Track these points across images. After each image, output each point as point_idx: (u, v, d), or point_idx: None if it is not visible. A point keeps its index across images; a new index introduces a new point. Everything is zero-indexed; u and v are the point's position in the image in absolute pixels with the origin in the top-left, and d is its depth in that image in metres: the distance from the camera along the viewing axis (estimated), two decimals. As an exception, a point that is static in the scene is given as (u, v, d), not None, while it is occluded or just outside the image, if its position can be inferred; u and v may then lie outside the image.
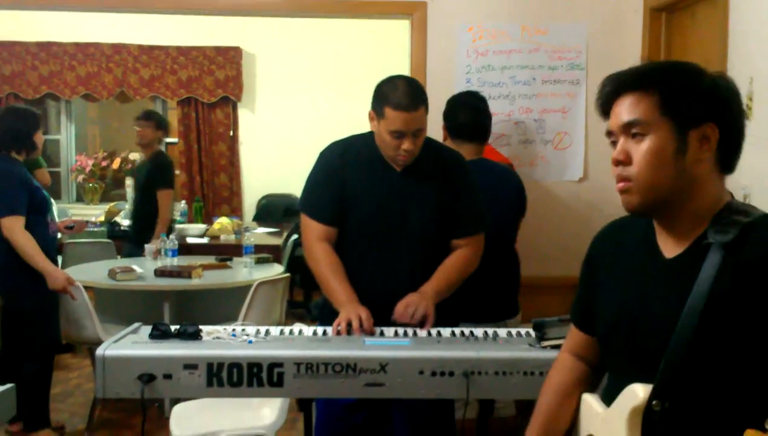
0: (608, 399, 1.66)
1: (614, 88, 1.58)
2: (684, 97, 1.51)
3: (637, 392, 1.50)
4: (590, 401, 1.74)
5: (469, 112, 3.65)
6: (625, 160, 1.55)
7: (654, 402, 1.48)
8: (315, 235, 2.87)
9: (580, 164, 4.69)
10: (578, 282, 1.92)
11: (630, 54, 4.57)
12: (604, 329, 1.73)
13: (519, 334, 2.57)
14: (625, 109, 1.54)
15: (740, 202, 1.60)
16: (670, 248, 1.60)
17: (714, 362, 1.49)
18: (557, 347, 2.38)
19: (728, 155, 1.56)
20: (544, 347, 2.38)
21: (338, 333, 2.56)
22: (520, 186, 3.75)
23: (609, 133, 1.60)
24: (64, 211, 7.57)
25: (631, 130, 1.53)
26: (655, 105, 1.51)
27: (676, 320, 1.49)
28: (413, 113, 2.70)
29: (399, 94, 2.72)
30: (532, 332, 2.48)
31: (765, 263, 1.46)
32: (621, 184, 1.57)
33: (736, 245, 1.47)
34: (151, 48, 7.95)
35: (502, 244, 3.59)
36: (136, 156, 8.56)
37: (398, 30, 4.93)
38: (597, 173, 4.68)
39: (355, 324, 2.56)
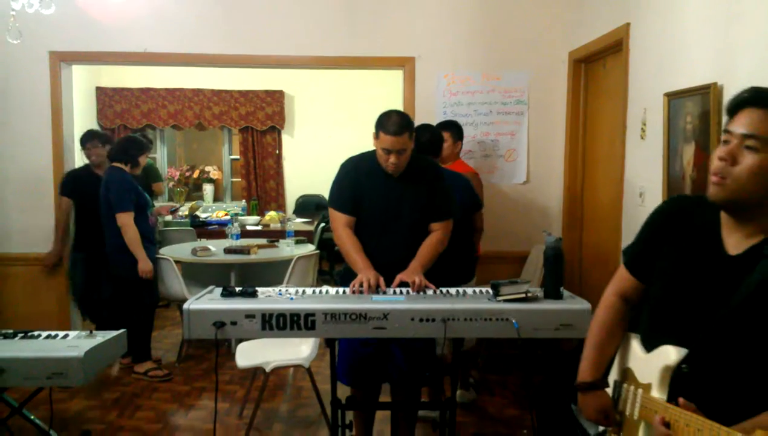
0: (646, 341, 1.55)
1: (751, 98, 1.34)
2: None
3: (671, 354, 1.41)
4: (634, 344, 1.61)
5: (428, 136, 3.61)
6: (730, 162, 1.33)
7: (683, 366, 1.39)
8: (341, 223, 2.87)
9: (523, 172, 4.68)
10: (640, 233, 1.64)
11: (559, 93, 4.58)
12: (660, 290, 1.54)
13: (481, 292, 2.57)
14: (751, 122, 1.31)
15: None
16: (732, 244, 1.40)
17: (741, 348, 1.34)
18: (508, 300, 2.39)
19: None
20: (499, 301, 2.38)
21: (353, 291, 2.57)
22: (469, 186, 3.62)
23: (726, 132, 1.36)
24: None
25: (747, 141, 1.31)
26: None
27: (721, 308, 1.35)
28: (398, 138, 2.71)
29: (390, 123, 2.73)
30: (491, 290, 2.48)
31: None
32: (716, 178, 1.35)
33: None
34: (220, 91, 7.96)
35: (460, 229, 3.55)
36: (210, 168, 8.56)
37: (395, 77, 4.92)
38: (536, 178, 4.69)
39: (365, 286, 2.57)
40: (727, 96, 2.49)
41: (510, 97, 4.62)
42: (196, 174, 8.52)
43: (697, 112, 2.70)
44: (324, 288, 2.66)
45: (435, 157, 3.61)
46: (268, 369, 3.27)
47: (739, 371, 1.35)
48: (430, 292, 2.57)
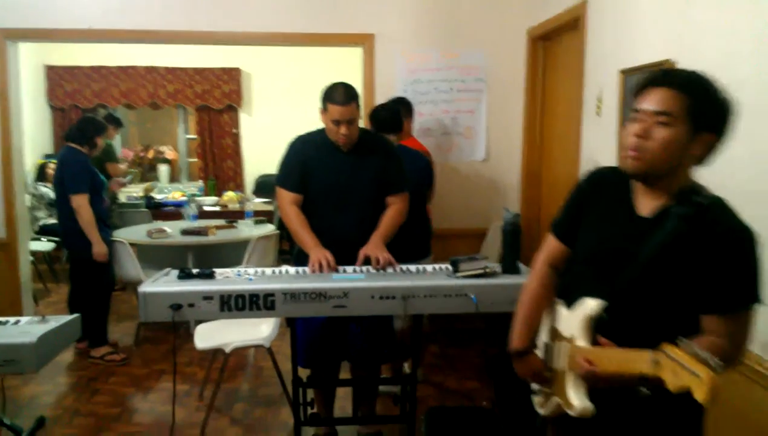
0: (571, 300, 1.65)
1: (659, 78, 1.47)
2: (706, 110, 1.43)
3: (591, 305, 1.53)
4: (559, 305, 1.73)
5: (388, 113, 3.63)
6: (645, 137, 1.44)
7: (603, 314, 1.51)
8: (287, 201, 2.84)
9: (482, 149, 4.71)
10: (565, 203, 1.78)
11: (517, 70, 4.60)
12: (584, 250, 1.67)
13: (440, 268, 2.58)
14: (661, 100, 1.43)
15: (701, 184, 1.52)
16: (643, 207, 1.55)
17: (648, 298, 1.50)
18: (468, 276, 2.41)
19: (710, 156, 1.49)
20: (458, 277, 2.40)
21: (313, 271, 2.56)
22: (426, 165, 3.66)
23: (636, 112, 1.47)
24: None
25: (659, 117, 1.43)
26: (684, 106, 1.42)
27: (633, 262, 1.49)
28: (347, 107, 2.71)
29: (337, 94, 2.72)
30: (450, 267, 2.50)
31: (711, 236, 1.42)
32: (633, 153, 1.46)
33: (693, 219, 1.44)
34: (175, 69, 7.77)
35: (416, 206, 3.58)
36: (165, 148, 8.39)
37: (354, 55, 4.87)
38: (495, 156, 4.72)
39: (324, 264, 2.56)
40: (679, 73, 2.55)
41: (469, 75, 4.63)
42: (150, 154, 8.34)
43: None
44: (284, 268, 2.64)
45: (396, 134, 3.62)
46: (227, 350, 3.24)
47: (650, 319, 1.48)
48: (390, 269, 2.58)
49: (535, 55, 4.49)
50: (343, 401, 3.36)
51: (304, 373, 2.74)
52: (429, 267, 2.61)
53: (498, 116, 4.67)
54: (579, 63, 3.60)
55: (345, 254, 2.65)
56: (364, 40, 4.56)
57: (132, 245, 4.57)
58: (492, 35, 4.59)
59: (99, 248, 4.12)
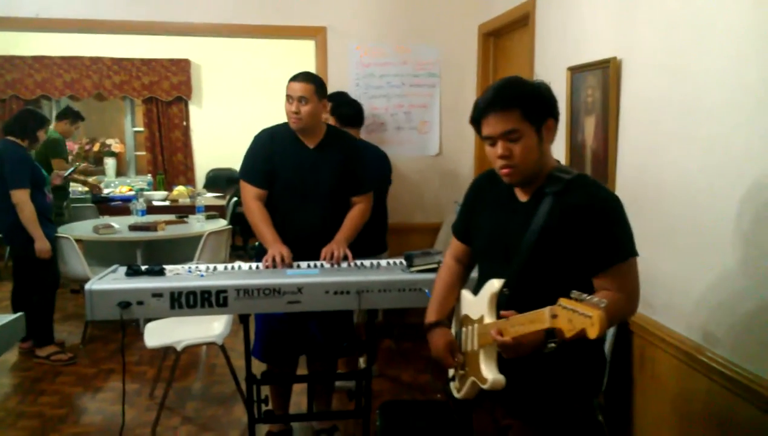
0: (476, 288, 1.84)
1: (488, 108, 1.66)
2: (534, 106, 1.66)
3: (494, 283, 1.70)
4: (465, 293, 1.93)
5: (351, 109, 3.67)
6: (509, 156, 1.66)
7: (504, 289, 1.70)
8: (251, 195, 2.82)
9: (436, 144, 4.75)
10: (460, 206, 2.01)
11: (469, 66, 4.65)
12: (480, 244, 1.90)
13: (395, 263, 2.60)
14: (500, 122, 1.64)
15: (563, 164, 1.80)
16: (521, 195, 1.77)
17: (541, 270, 1.69)
18: (422, 271, 2.44)
19: (553, 134, 1.74)
20: (412, 272, 2.43)
21: (267, 267, 2.54)
22: (386, 159, 3.77)
23: (488, 139, 1.68)
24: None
25: (509, 136, 1.64)
26: (518, 116, 1.64)
27: (519, 245, 1.69)
28: (299, 83, 2.75)
29: (297, 75, 2.80)
30: (404, 261, 2.52)
31: (580, 204, 1.66)
32: (507, 170, 1.69)
33: (562, 194, 1.68)
34: (121, 60, 7.59)
35: (375, 201, 3.61)
36: (112, 141, 8.19)
37: (307, 47, 4.84)
38: (448, 150, 4.76)
39: (278, 259, 2.55)
40: (626, 70, 2.63)
41: (422, 70, 4.65)
42: (96, 147, 8.13)
43: (597, 85, 2.82)
44: (236, 264, 2.62)
45: (358, 128, 3.65)
46: (179, 348, 3.19)
47: (546, 288, 1.58)
48: (344, 264, 2.59)
49: (487, 51, 4.54)
50: (298, 397, 3.35)
51: (258, 370, 2.72)
52: (383, 262, 2.63)
53: (451, 111, 4.71)
54: (529, 60, 3.65)
55: (308, 249, 2.65)
56: (315, 33, 4.53)
57: (78, 241, 4.45)
58: (444, 30, 4.62)
59: (42, 245, 4.00)
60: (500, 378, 1.64)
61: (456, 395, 1.88)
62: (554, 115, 1.72)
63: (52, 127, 5.68)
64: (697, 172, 2.17)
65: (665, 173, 2.35)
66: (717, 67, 2.06)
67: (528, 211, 1.72)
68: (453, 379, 1.92)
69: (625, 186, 2.62)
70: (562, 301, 1.38)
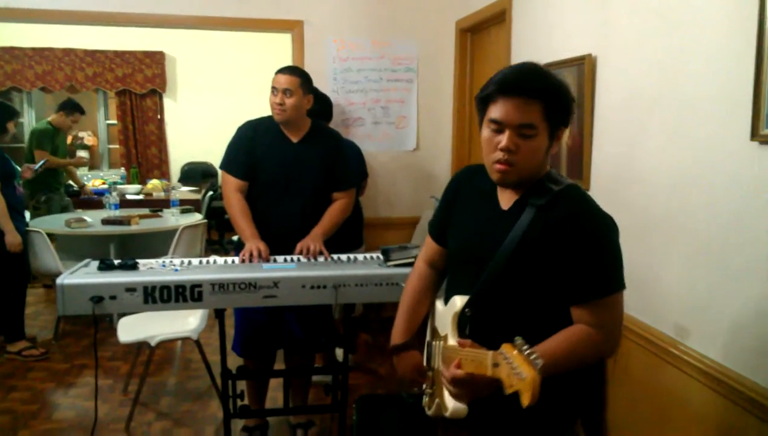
0: (447, 297, 1.66)
1: (514, 87, 1.43)
2: (557, 105, 1.45)
3: (457, 302, 1.53)
4: (438, 304, 1.73)
5: (318, 103, 3.66)
6: (514, 152, 1.43)
7: (466, 309, 1.51)
8: (232, 187, 2.80)
9: (413, 139, 4.75)
10: (438, 203, 1.80)
11: (446, 61, 4.66)
12: (454, 248, 1.69)
13: (371, 257, 2.61)
14: (518, 111, 1.41)
15: (556, 172, 1.56)
16: (504, 201, 1.56)
17: (510, 290, 1.49)
18: (399, 265, 2.45)
19: (559, 144, 1.53)
20: (389, 266, 2.43)
21: (243, 261, 2.53)
22: (361, 153, 3.82)
23: (497, 123, 1.44)
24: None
25: (524, 130, 1.42)
26: (540, 112, 1.42)
27: (493, 257, 1.49)
28: (285, 76, 2.76)
29: (283, 67, 2.82)
30: (381, 256, 2.52)
31: (565, 222, 1.44)
32: (504, 167, 1.45)
33: (548, 207, 1.46)
34: (94, 51, 7.47)
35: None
36: (84, 134, 8.06)
37: (283, 41, 4.81)
38: (425, 145, 4.78)
39: (255, 254, 2.54)
40: (601, 67, 2.66)
41: (399, 65, 4.65)
42: (69, 140, 8.00)
43: (573, 82, 2.84)
44: (212, 258, 2.60)
45: (327, 122, 3.64)
46: (153, 343, 3.16)
47: (515, 312, 1.49)
48: (321, 259, 2.58)
49: (464, 47, 4.56)
50: (275, 392, 3.34)
51: (233, 364, 2.71)
52: (360, 256, 2.63)
53: (428, 106, 4.73)
54: (506, 56, 3.67)
55: (287, 244, 2.64)
56: (292, 27, 4.51)
57: (50, 235, 4.38)
58: (422, 25, 4.62)
59: (12, 238, 3.93)
60: (461, 408, 1.47)
61: (426, 411, 1.74)
62: (567, 123, 1.51)
63: (50, 118, 5.64)
64: (671, 168, 2.20)
65: (639, 169, 2.38)
66: (691, 63, 2.09)
67: (506, 222, 1.51)
68: (424, 394, 1.78)
69: (600, 181, 2.66)
70: (505, 349, 1.17)
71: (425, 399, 1.75)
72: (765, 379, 1.81)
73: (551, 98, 1.44)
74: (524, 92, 1.42)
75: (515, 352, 1.13)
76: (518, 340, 1.15)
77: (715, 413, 1.98)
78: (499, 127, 1.44)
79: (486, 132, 1.48)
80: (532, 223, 1.46)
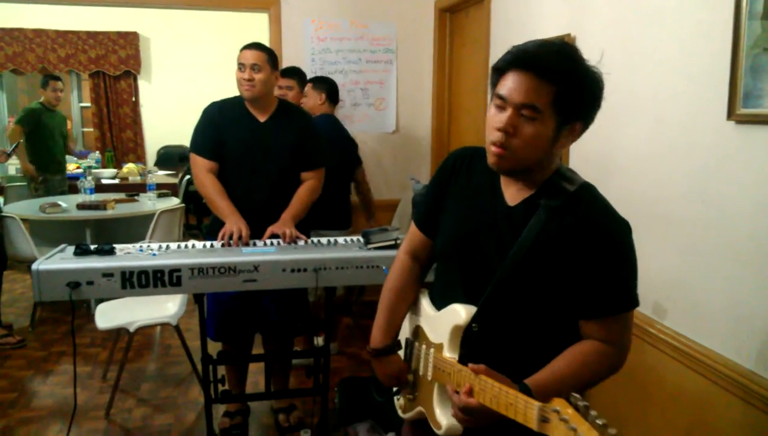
0: (435, 297, 1.54)
1: (526, 60, 1.27)
2: (573, 96, 1.26)
3: (461, 313, 1.38)
4: (424, 302, 1.58)
5: (327, 85, 3.70)
6: (512, 133, 1.27)
7: (473, 324, 1.37)
8: (202, 168, 2.77)
9: (393, 120, 4.74)
10: (428, 188, 1.61)
11: (425, 42, 4.64)
12: (447, 242, 1.49)
13: (352, 240, 2.60)
14: (524, 91, 1.25)
15: (567, 167, 1.39)
16: (510, 196, 1.38)
17: (526, 301, 1.34)
18: (380, 248, 2.45)
19: (576, 140, 1.35)
20: (369, 249, 2.43)
21: (223, 238, 2.51)
22: (348, 136, 3.82)
23: (502, 99, 1.28)
24: None
25: (524, 110, 1.25)
26: (550, 97, 1.24)
27: (503, 259, 1.33)
28: (252, 51, 2.75)
29: (248, 43, 2.80)
30: (361, 239, 2.52)
31: (582, 228, 1.29)
32: (498, 150, 1.29)
33: (562, 210, 1.31)
34: (66, 32, 7.32)
35: (340, 176, 3.63)
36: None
37: (259, 20, 4.75)
38: (405, 127, 4.77)
39: (235, 237, 2.52)
40: (579, 47, 2.66)
41: (378, 46, 4.63)
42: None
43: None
44: (190, 242, 2.57)
45: (334, 105, 3.71)
46: (132, 329, 3.14)
47: (524, 327, 1.36)
48: (301, 242, 2.58)
49: (443, 27, 4.54)
50: (256, 376, 3.35)
51: (213, 350, 2.71)
52: (341, 239, 2.62)
53: (407, 88, 4.71)
54: (485, 36, 3.67)
55: (256, 223, 2.62)
56: (268, 5, 4.46)
57: (24, 220, 4.32)
58: (401, 6, 4.59)
59: None
60: (457, 426, 1.35)
61: (400, 413, 1.64)
62: (587, 120, 1.32)
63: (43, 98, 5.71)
64: (649, 149, 2.22)
65: (615, 155, 2.40)
66: (668, 43, 2.11)
67: (513, 221, 1.36)
68: (398, 394, 1.66)
69: (577, 168, 2.66)
70: (560, 405, 1.04)
71: (400, 401, 1.64)
72: (739, 356, 1.85)
73: (568, 84, 1.25)
74: (537, 70, 1.25)
75: (570, 411, 1.02)
76: (576, 396, 1.04)
77: (692, 390, 2.02)
78: (503, 103, 1.29)
79: (491, 109, 1.32)
80: (545, 226, 1.31)
